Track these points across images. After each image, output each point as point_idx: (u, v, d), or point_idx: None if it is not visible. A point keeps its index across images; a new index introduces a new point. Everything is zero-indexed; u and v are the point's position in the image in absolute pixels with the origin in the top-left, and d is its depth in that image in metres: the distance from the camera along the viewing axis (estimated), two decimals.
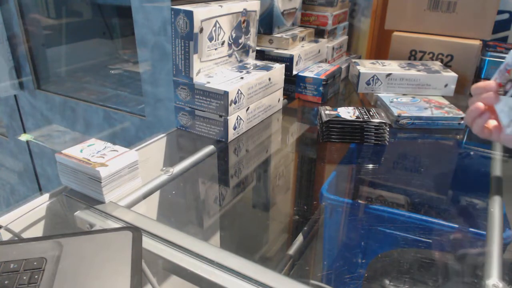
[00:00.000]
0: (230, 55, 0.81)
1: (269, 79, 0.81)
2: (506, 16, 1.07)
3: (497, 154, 0.71)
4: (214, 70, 0.78)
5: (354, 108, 0.78)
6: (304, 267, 0.57)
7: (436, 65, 0.95)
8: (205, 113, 0.74)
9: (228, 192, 0.69)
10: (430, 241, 0.55)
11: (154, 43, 1.41)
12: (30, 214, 0.52)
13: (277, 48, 0.92)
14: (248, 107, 0.77)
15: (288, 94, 0.96)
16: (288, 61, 0.90)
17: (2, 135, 2.25)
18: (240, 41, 0.82)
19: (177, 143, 0.77)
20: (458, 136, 0.81)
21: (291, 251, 0.56)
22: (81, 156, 0.53)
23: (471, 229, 0.54)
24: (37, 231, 0.53)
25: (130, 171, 0.54)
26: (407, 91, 0.91)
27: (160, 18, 1.36)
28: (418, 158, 0.78)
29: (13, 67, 1.94)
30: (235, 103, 0.72)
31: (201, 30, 0.69)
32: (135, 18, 1.42)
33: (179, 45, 0.71)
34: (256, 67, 0.83)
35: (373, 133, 0.73)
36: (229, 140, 0.74)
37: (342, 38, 1.14)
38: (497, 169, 0.66)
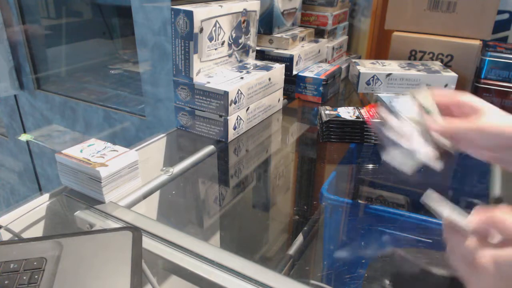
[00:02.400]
0: (230, 55, 0.81)
1: (269, 79, 0.81)
2: (506, 16, 1.07)
3: None
4: (214, 70, 0.78)
5: (354, 108, 0.78)
6: (304, 267, 0.57)
7: (436, 65, 0.95)
8: (205, 113, 0.74)
9: (228, 192, 0.69)
10: (430, 241, 0.54)
11: (154, 43, 1.41)
12: (30, 214, 0.52)
13: (277, 48, 0.92)
14: (248, 107, 0.77)
15: (288, 94, 0.96)
16: (288, 61, 0.90)
17: (2, 135, 2.25)
18: (240, 41, 0.82)
19: (177, 143, 0.77)
20: None
21: (291, 251, 0.56)
22: (81, 156, 0.53)
23: None
24: (37, 231, 0.53)
25: (130, 171, 0.54)
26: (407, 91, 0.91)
27: (160, 18, 1.36)
28: None
29: (13, 67, 1.94)
30: (235, 103, 0.72)
31: (201, 30, 0.69)
32: (135, 18, 1.42)
33: (179, 45, 0.71)
34: (256, 67, 0.83)
35: (373, 133, 0.73)
36: (229, 140, 0.74)
37: (342, 38, 1.14)
38: (497, 169, 0.66)
